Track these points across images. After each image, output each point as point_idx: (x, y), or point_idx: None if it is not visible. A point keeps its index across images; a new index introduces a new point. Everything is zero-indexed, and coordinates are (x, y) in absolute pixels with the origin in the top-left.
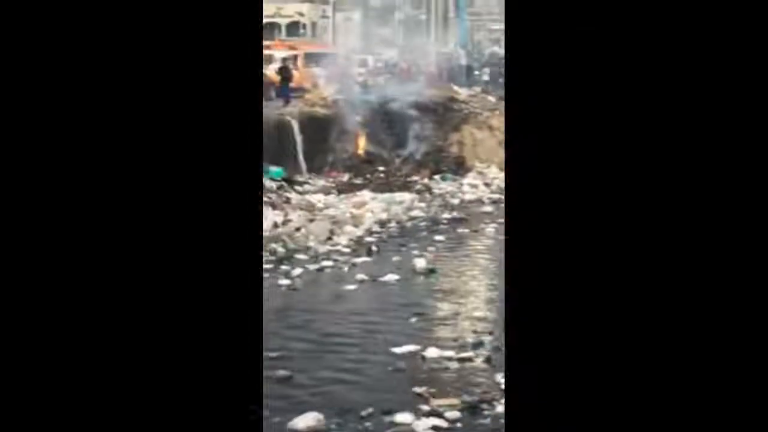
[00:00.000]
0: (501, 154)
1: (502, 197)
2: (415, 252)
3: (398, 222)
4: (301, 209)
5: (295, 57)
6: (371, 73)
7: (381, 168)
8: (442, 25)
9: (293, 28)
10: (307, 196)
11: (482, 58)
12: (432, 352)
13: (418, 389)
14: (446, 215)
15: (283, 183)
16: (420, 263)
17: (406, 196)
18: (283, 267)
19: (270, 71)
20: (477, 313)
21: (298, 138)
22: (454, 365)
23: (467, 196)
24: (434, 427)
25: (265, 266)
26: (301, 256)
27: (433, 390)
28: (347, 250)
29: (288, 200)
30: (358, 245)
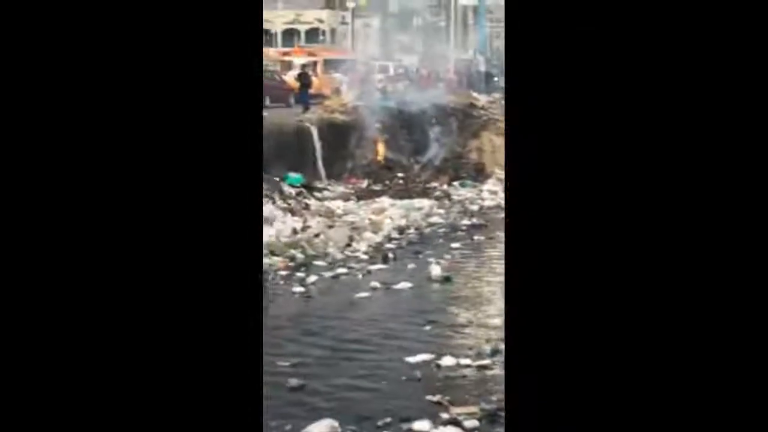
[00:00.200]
0: None
1: None
2: (431, 259)
3: (417, 228)
4: (321, 215)
5: (315, 63)
6: (391, 80)
7: (400, 174)
8: (461, 31)
9: (312, 34)
10: (327, 203)
11: (501, 64)
12: (447, 361)
13: (433, 398)
14: (465, 221)
15: (303, 189)
16: (435, 271)
17: (425, 203)
18: (299, 274)
19: (289, 78)
20: (492, 321)
21: (318, 144)
22: (471, 373)
23: (486, 203)
24: None
25: (280, 273)
26: (319, 263)
27: (448, 398)
28: (365, 257)
29: (307, 206)
30: (377, 252)
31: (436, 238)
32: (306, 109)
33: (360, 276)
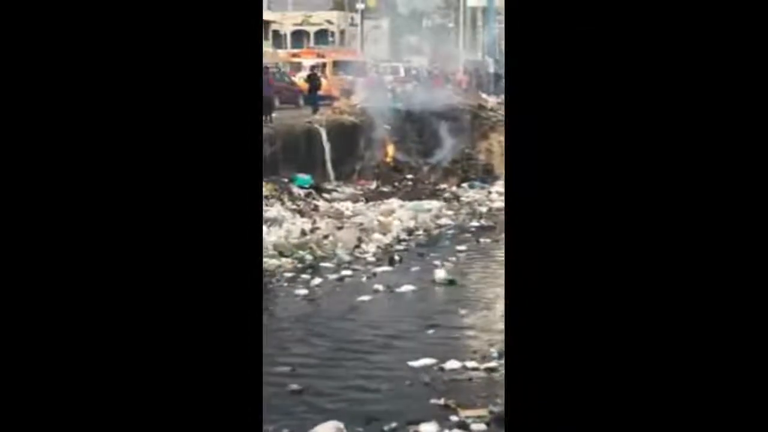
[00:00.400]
0: None
1: None
2: (437, 262)
3: (426, 230)
4: (329, 217)
5: (324, 65)
6: (400, 81)
7: (409, 176)
8: (470, 33)
9: (322, 36)
10: (336, 204)
11: None
12: (450, 364)
13: (437, 400)
14: (474, 223)
15: (312, 190)
16: (440, 274)
17: (434, 204)
18: (304, 276)
19: (299, 79)
20: (496, 325)
21: (327, 146)
22: (478, 376)
23: (495, 204)
24: None
25: (286, 275)
26: (327, 264)
27: (452, 401)
28: (372, 258)
29: (316, 208)
30: (385, 253)
31: (444, 240)
32: (315, 110)
33: (364, 278)
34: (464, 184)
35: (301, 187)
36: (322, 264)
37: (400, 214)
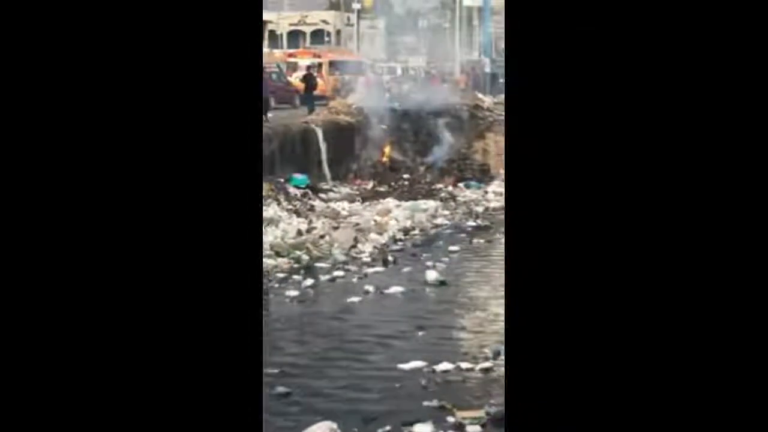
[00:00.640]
0: None
1: None
2: (429, 262)
3: (422, 230)
4: (326, 217)
5: (320, 65)
6: (396, 81)
7: (405, 175)
8: (466, 32)
9: (318, 36)
10: (332, 204)
11: None
12: (442, 366)
13: (430, 402)
14: (471, 223)
15: (308, 191)
16: (431, 275)
17: (430, 204)
18: (295, 277)
19: (295, 79)
20: (487, 326)
21: (323, 146)
22: (473, 377)
23: (492, 204)
24: None
25: (278, 275)
26: (322, 265)
27: (445, 402)
28: (367, 259)
29: (312, 208)
30: (381, 253)
31: (438, 241)
32: (311, 110)
33: (356, 279)
34: (460, 184)
35: (298, 187)
36: (318, 264)
37: (397, 214)
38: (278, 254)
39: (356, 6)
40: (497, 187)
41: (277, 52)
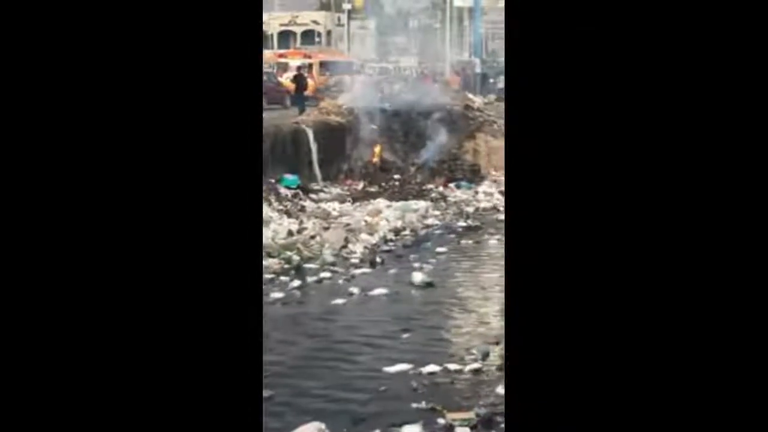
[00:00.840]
0: None
1: None
2: (416, 264)
3: (413, 230)
4: (316, 217)
5: (310, 65)
6: (387, 81)
7: (396, 176)
8: (457, 33)
9: (308, 36)
10: (322, 204)
11: (497, 66)
12: (430, 368)
13: (418, 404)
14: (461, 223)
15: (299, 191)
16: (417, 277)
17: (421, 204)
18: (282, 278)
19: (285, 79)
20: (474, 328)
21: (313, 146)
22: (460, 378)
23: (482, 204)
24: None
25: (266, 276)
26: (312, 266)
27: (433, 404)
28: (357, 260)
29: (303, 208)
30: (372, 253)
31: (427, 242)
32: (302, 110)
33: (342, 281)
34: (451, 184)
35: (288, 188)
36: (307, 265)
37: (387, 215)
38: (269, 255)
39: (347, 6)
40: (488, 187)
41: (268, 53)
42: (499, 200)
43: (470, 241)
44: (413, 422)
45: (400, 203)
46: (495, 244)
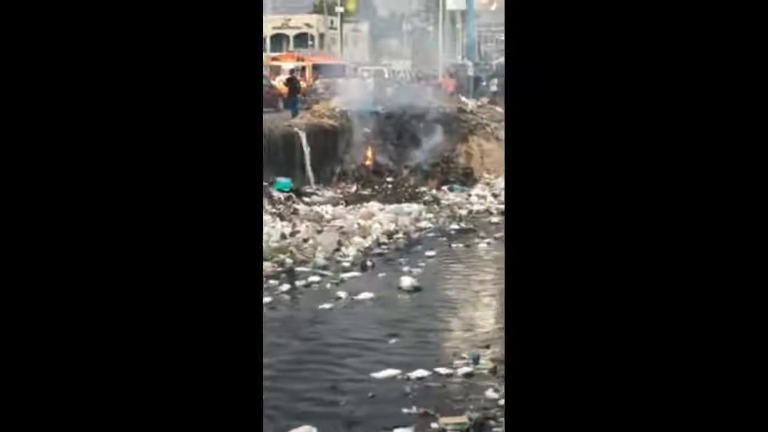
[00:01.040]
0: None
1: None
2: (406, 268)
3: (406, 233)
4: (309, 220)
5: (303, 68)
6: (380, 84)
7: (389, 179)
8: (450, 36)
9: (301, 39)
10: (315, 207)
11: (490, 69)
12: (418, 372)
13: (409, 409)
14: (454, 226)
15: (291, 194)
16: (405, 281)
17: (414, 207)
18: (272, 282)
19: (278, 83)
20: (462, 333)
21: (306, 149)
22: (450, 382)
23: (475, 207)
24: None
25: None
26: (304, 269)
27: (423, 409)
28: (349, 263)
29: (296, 211)
30: (365, 256)
31: (418, 245)
32: (295, 113)
33: (331, 285)
34: (444, 187)
35: (281, 191)
36: (299, 269)
37: (380, 218)
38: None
39: (339, 9)
40: (480, 190)
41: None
42: (492, 203)
43: (461, 245)
44: (405, 426)
45: (393, 206)
46: (485, 247)
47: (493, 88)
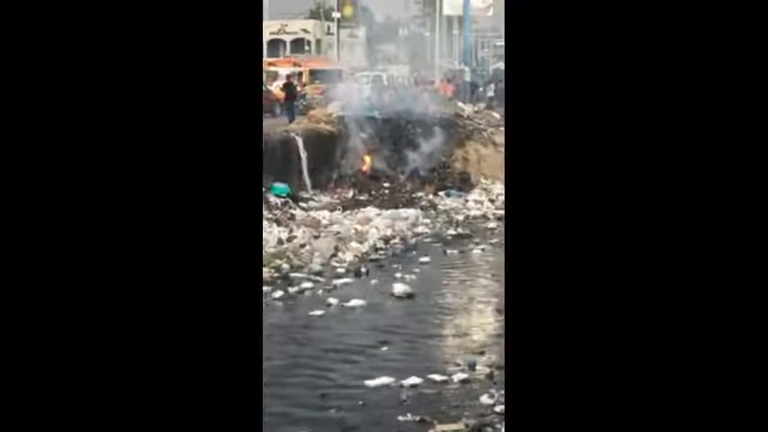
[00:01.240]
0: None
1: None
2: (398, 274)
3: (403, 238)
4: (306, 226)
5: (300, 74)
6: (377, 90)
7: (386, 184)
8: (447, 41)
9: (298, 45)
10: (312, 213)
11: (487, 74)
12: (411, 380)
13: (405, 417)
14: (451, 231)
15: (288, 199)
16: (398, 288)
17: (411, 213)
18: (264, 288)
19: (275, 88)
20: (454, 340)
21: (303, 154)
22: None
23: (472, 212)
24: None
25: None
26: (297, 275)
27: (419, 416)
28: (346, 268)
29: (293, 217)
30: (362, 261)
31: (412, 251)
32: (292, 119)
33: (321, 291)
34: (441, 193)
35: (278, 196)
36: (293, 274)
37: (377, 223)
38: None
39: (336, 15)
40: (477, 195)
41: None
42: (489, 208)
43: (455, 251)
44: None
45: (390, 211)
46: (479, 253)
47: (490, 93)
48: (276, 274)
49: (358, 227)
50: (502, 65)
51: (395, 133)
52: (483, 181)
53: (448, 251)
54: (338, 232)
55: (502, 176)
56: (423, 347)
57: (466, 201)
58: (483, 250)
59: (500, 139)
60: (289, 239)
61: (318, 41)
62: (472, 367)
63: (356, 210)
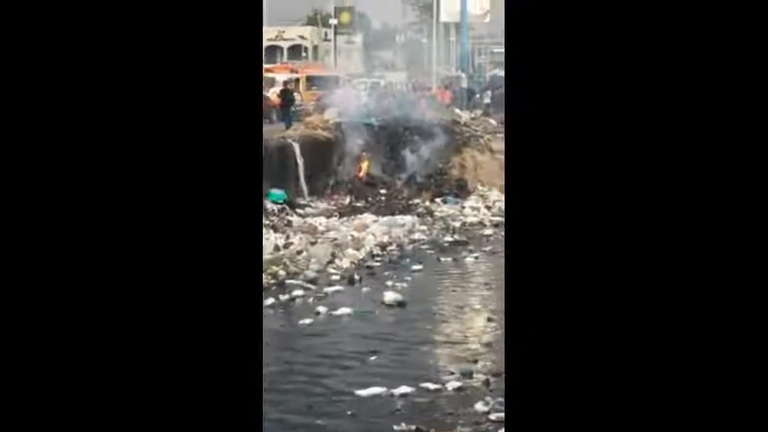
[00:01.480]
0: (503, 176)
1: (503, 220)
2: (389, 282)
3: (399, 245)
4: (303, 232)
5: (297, 80)
6: (374, 97)
7: (383, 191)
8: (443, 48)
9: (295, 51)
10: (309, 219)
11: (484, 81)
12: (402, 389)
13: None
14: (448, 238)
15: (285, 206)
16: (389, 296)
17: (407, 219)
18: None
19: (272, 94)
20: (444, 350)
21: (300, 161)
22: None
23: (469, 219)
24: None
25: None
26: (291, 281)
27: (414, 425)
28: (336, 277)
29: (289, 223)
30: (358, 268)
31: (406, 258)
32: (289, 125)
33: (311, 299)
34: (438, 199)
35: (275, 203)
36: (292, 281)
37: (374, 229)
38: None
39: (333, 21)
40: (474, 202)
41: None
42: (486, 215)
43: (449, 259)
44: None
45: (387, 218)
46: (472, 261)
47: (487, 100)
48: (272, 281)
49: (355, 234)
50: (499, 72)
51: (392, 139)
52: (480, 187)
53: (442, 259)
54: (335, 239)
55: (499, 183)
56: (413, 355)
57: (463, 208)
58: (476, 258)
59: (497, 145)
60: (286, 246)
61: (315, 48)
62: (467, 375)
63: (353, 216)
